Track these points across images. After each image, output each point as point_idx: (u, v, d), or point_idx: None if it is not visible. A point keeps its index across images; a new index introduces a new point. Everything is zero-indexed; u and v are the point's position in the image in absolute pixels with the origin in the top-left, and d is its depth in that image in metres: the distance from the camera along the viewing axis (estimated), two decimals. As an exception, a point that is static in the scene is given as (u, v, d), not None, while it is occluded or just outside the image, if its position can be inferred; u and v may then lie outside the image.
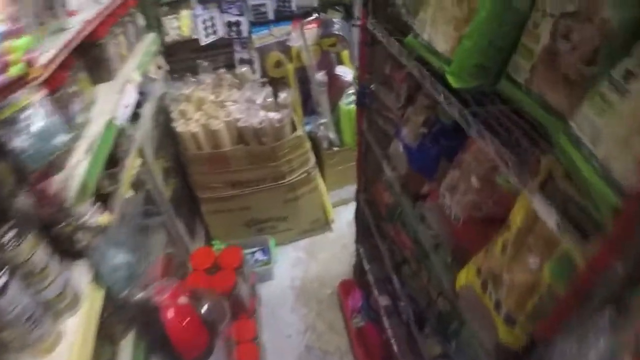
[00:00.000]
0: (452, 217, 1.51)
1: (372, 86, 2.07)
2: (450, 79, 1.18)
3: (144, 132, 2.28)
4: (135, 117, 2.27)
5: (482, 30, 1.09)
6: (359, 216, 2.68)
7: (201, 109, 2.75)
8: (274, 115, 2.65)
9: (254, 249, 3.18)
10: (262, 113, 2.67)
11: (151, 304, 1.96)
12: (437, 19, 1.26)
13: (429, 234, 1.73)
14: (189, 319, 2.02)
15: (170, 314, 1.98)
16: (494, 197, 1.39)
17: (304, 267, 3.28)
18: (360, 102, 2.13)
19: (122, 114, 1.94)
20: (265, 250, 3.17)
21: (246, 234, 3.17)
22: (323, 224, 3.38)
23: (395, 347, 2.35)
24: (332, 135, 3.09)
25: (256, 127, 2.63)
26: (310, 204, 3.13)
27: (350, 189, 3.38)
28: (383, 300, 2.55)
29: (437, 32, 1.27)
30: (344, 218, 3.52)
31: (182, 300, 2.04)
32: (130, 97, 2.12)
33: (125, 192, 1.94)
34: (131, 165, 2.02)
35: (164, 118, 2.80)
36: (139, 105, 2.36)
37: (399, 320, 2.49)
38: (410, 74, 1.56)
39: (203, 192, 2.91)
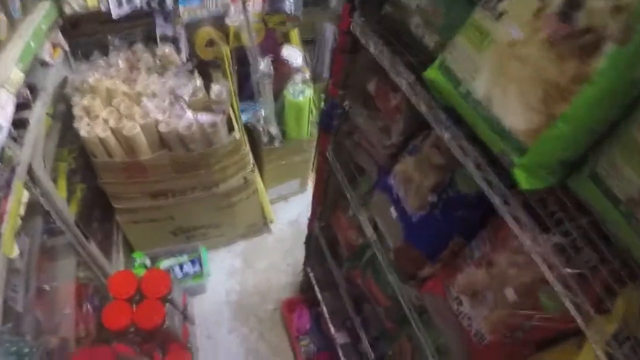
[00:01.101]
0: (472, 331, 1.17)
1: (345, 104, 1.61)
2: (520, 177, 0.79)
3: (33, 145, 1.73)
4: (19, 125, 1.71)
5: (589, 111, 0.71)
6: (310, 242, 2.29)
7: (111, 104, 2.18)
8: (205, 118, 2.14)
9: (182, 260, 2.72)
10: (189, 114, 2.14)
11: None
12: (509, 71, 0.81)
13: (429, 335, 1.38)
14: None
15: None
16: (537, 318, 1.03)
17: (241, 278, 2.89)
18: (325, 125, 1.67)
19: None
20: (196, 261, 2.73)
21: (172, 242, 2.70)
22: (261, 226, 2.97)
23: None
24: (274, 130, 2.61)
25: (182, 132, 2.11)
26: (247, 208, 2.70)
27: (292, 184, 2.99)
28: (341, 338, 2.24)
29: (505, 93, 0.81)
30: (285, 216, 3.14)
31: None
32: (4, 112, 1.54)
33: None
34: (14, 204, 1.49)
35: (65, 109, 2.22)
36: (25, 106, 1.78)
37: (357, 356, 2.20)
38: (410, 104, 1.16)
39: (118, 201, 2.39)
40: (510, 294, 1.06)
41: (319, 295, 2.30)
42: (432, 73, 1.01)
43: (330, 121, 1.60)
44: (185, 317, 2.50)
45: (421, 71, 1.02)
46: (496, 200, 0.88)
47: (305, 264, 2.40)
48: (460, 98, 0.93)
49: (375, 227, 1.56)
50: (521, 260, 1.05)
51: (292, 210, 3.11)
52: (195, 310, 2.64)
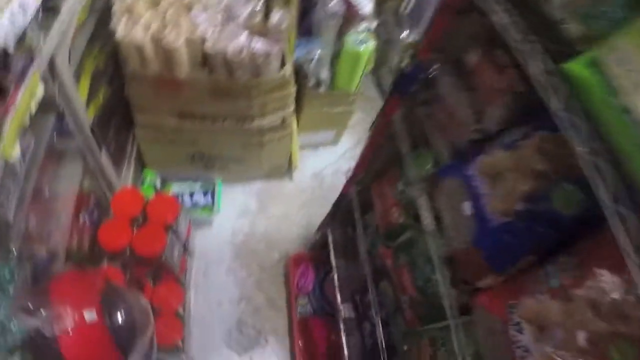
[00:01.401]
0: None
1: (434, 68, 1.39)
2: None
3: (60, 35, 1.50)
4: (49, 10, 1.47)
5: None
6: (340, 203, 2.11)
7: (157, 8, 1.95)
8: (259, 45, 1.91)
9: (194, 188, 2.55)
10: (243, 37, 1.92)
11: (44, 334, 1.39)
12: None
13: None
14: (97, 346, 1.49)
15: (70, 342, 1.43)
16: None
17: (251, 220, 2.73)
18: (402, 87, 1.46)
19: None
20: (209, 193, 2.56)
21: (188, 168, 2.53)
22: (284, 171, 2.79)
23: (345, 352, 2.01)
24: (324, 75, 2.39)
25: (230, 56, 1.90)
26: (276, 150, 2.51)
27: (326, 135, 2.80)
28: (346, 311, 2.09)
29: None
30: (310, 166, 2.95)
31: (89, 316, 1.48)
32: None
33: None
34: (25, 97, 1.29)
35: (105, 3, 1.98)
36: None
37: (359, 339, 2.06)
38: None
39: (141, 115, 2.20)
40: (581, 338, 0.92)
41: (333, 261, 2.15)
42: (577, 68, 0.81)
43: (409, 85, 1.39)
44: (186, 249, 2.35)
45: (559, 60, 0.84)
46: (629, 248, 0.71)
47: (327, 224, 2.23)
48: (611, 110, 0.74)
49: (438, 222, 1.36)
50: (606, 305, 0.90)
51: (318, 162, 2.92)
52: (197, 244, 2.48)
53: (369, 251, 1.96)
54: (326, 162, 2.96)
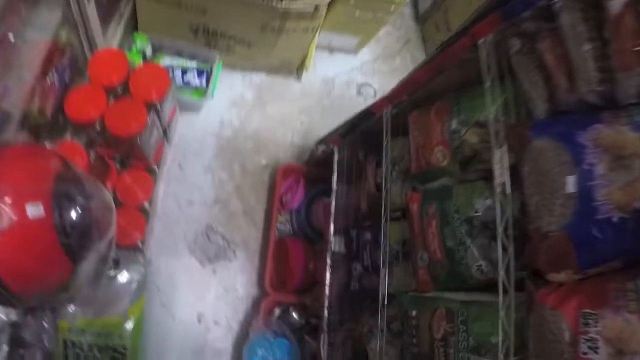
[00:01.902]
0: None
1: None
2: None
3: None
4: None
5: None
6: (363, 120, 1.81)
7: None
8: None
9: (188, 65, 2.17)
10: None
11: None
12: None
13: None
14: (39, 249, 1.20)
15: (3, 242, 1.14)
16: None
17: (245, 115, 2.39)
18: (507, 7, 1.12)
19: None
20: (204, 74, 2.19)
21: (187, 39, 2.13)
22: (294, 68, 2.43)
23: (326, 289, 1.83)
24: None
25: None
26: (294, 42, 2.14)
27: (349, 41, 2.47)
28: (337, 245, 1.86)
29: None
30: (321, 70, 2.59)
31: (34, 210, 1.17)
32: None
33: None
34: None
35: None
36: None
37: (344, 279, 1.82)
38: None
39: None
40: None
41: (334, 184, 1.87)
42: None
43: (522, 6, 1.06)
44: (166, 135, 2.02)
45: None
46: None
47: (335, 140, 1.93)
48: None
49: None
50: None
51: (332, 68, 2.59)
52: (178, 130, 2.14)
53: (378, 186, 1.74)
54: (340, 70, 2.63)
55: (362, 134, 1.83)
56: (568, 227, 0.94)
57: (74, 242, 1.24)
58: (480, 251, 1.24)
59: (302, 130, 2.44)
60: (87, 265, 1.33)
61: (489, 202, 1.23)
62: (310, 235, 2.14)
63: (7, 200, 1.10)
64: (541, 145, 1.03)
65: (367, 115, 1.74)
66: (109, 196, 1.46)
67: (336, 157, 1.93)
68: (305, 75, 2.50)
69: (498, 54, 1.18)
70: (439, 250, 1.33)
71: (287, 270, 2.07)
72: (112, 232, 1.43)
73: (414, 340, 1.37)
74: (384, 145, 1.60)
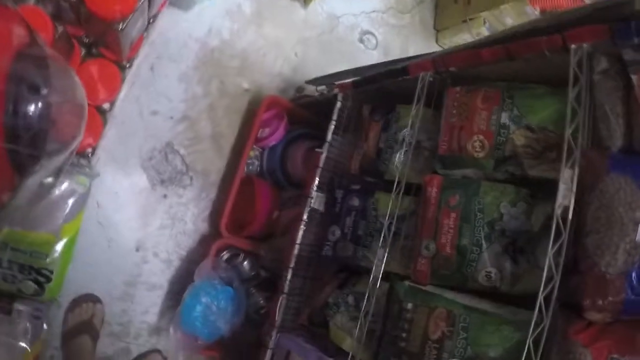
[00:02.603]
0: None
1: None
2: None
3: None
4: None
5: None
6: (390, 77, 1.59)
7: None
8: None
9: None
10: None
11: None
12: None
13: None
14: None
15: None
16: None
17: (238, 27, 2.11)
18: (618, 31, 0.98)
19: None
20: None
21: None
22: (302, -7, 2.15)
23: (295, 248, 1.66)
24: None
25: None
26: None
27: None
28: (317, 202, 1.75)
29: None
30: (329, 4, 2.35)
31: None
32: None
33: None
34: None
35: None
36: None
37: (316, 241, 1.70)
38: None
39: None
40: None
41: (329, 135, 1.65)
42: None
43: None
44: (149, 27, 1.69)
45: None
46: None
47: (344, 87, 1.70)
48: None
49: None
50: None
51: (340, 4, 2.37)
52: (160, 26, 1.81)
53: (379, 150, 1.60)
54: (348, 10, 2.43)
55: (377, 89, 1.65)
56: (628, 275, 0.90)
57: (24, 149, 0.94)
58: (493, 258, 1.19)
59: (294, 63, 2.23)
60: (34, 181, 1.04)
61: (514, 210, 1.20)
62: (280, 180, 1.97)
63: None
64: (617, 181, 0.95)
65: (396, 72, 1.55)
66: (82, 93, 1.15)
67: (338, 105, 1.74)
68: (312, 4, 2.25)
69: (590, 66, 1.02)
70: (450, 246, 1.25)
71: (248, 214, 1.90)
72: (76, 143, 1.13)
73: (404, 335, 1.26)
74: (412, 112, 1.45)
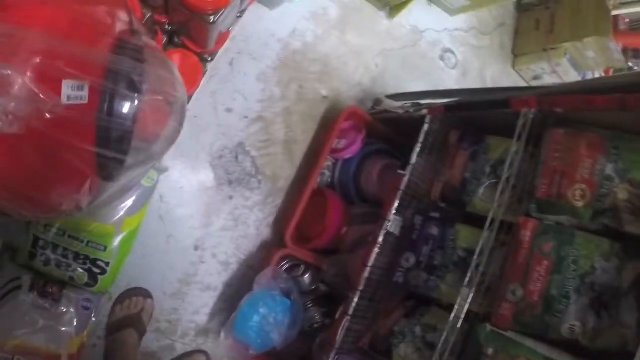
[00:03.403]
0: None
1: None
2: None
3: None
4: None
5: None
6: (480, 105, 1.55)
7: None
8: None
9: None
10: None
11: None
12: None
13: None
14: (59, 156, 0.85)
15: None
16: None
17: (322, 32, 2.06)
18: None
19: None
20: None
21: None
22: (387, 4, 2.13)
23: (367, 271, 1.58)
24: None
25: None
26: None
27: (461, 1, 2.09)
28: (394, 225, 1.64)
29: None
30: (414, 17, 2.29)
31: (71, 91, 0.82)
32: None
33: None
34: None
35: None
36: None
37: (390, 259, 1.62)
38: None
39: None
40: None
41: (414, 157, 1.61)
42: None
43: None
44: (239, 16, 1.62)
45: None
46: None
47: (435, 110, 1.60)
48: None
49: None
50: None
51: (425, 20, 2.32)
52: (244, 21, 1.80)
53: (464, 180, 1.52)
54: (432, 26, 2.39)
55: (467, 116, 1.61)
56: None
57: (114, 154, 0.84)
58: (580, 312, 1.16)
59: (374, 74, 2.20)
60: (117, 186, 0.95)
61: (607, 265, 1.17)
62: (352, 195, 1.94)
63: (32, 61, 0.70)
64: None
65: (496, 104, 1.51)
66: (183, 91, 1.06)
67: (426, 127, 1.68)
68: (398, 16, 2.20)
69: None
70: (538, 295, 1.22)
71: (315, 226, 1.87)
72: (168, 147, 1.04)
73: (482, 381, 1.30)
74: (513, 149, 1.39)
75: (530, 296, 1.21)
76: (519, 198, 1.40)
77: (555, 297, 1.18)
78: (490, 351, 1.24)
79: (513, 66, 2.71)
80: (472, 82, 2.53)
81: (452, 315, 1.33)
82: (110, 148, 0.84)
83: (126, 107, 0.87)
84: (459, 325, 1.32)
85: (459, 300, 1.34)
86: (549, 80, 2.67)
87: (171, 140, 1.09)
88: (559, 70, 2.58)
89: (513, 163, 1.38)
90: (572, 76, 2.59)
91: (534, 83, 2.75)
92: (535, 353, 1.17)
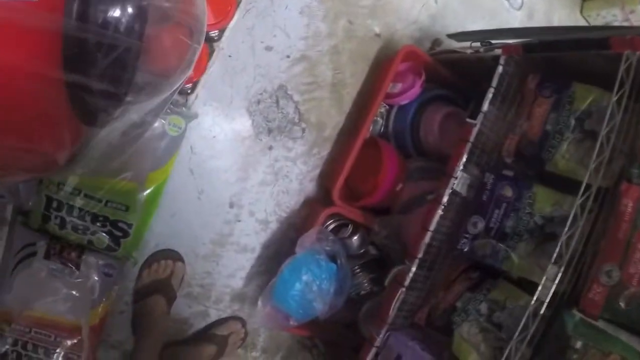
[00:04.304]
0: None
1: None
2: None
3: None
4: None
5: None
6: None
7: None
8: None
9: None
10: None
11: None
12: None
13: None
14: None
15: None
16: None
17: None
18: None
19: None
20: None
21: None
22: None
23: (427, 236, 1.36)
24: None
25: None
26: None
27: None
28: (461, 183, 1.37)
29: None
30: None
31: None
32: None
33: None
34: None
35: None
36: None
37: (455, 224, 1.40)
38: None
39: None
40: None
41: (486, 104, 1.37)
42: None
43: None
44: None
45: None
46: None
47: (511, 50, 1.37)
48: None
49: None
50: None
51: None
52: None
53: (545, 133, 1.27)
54: None
55: (549, 59, 1.35)
56: None
57: (97, 83, 0.59)
58: None
59: (433, 10, 1.89)
60: (114, 130, 0.70)
61: None
62: (408, 147, 1.71)
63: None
64: None
65: (591, 43, 1.22)
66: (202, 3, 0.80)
67: (500, 69, 1.40)
68: None
69: None
70: (639, 279, 1.01)
71: (367, 181, 1.64)
72: (181, 80, 0.78)
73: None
74: (613, 99, 1.11)
75: (629, 280, 1.01)
76: (610, 157, 1.14)
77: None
78: (579, 344, 1.04)
79: (581, 12, 2.38)
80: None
81: (534, 298, 1.09)
82: (86, 74, 0.59)
83: (110, 9, 0.62)
84: (542, 312, 1.08)
85: (543, 281, 1.10)
86: (620, 29, 2.41)
87: (185, 68, 0.84)
88: (632, 17, 2.29)
89: (614, 115, 1.11)
90: (646, 26, 2.30)
91: (604, 32, 2.46)
92: (631, 351, 0.98)
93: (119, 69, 0.64)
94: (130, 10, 0.63)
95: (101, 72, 0.62)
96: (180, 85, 0.90)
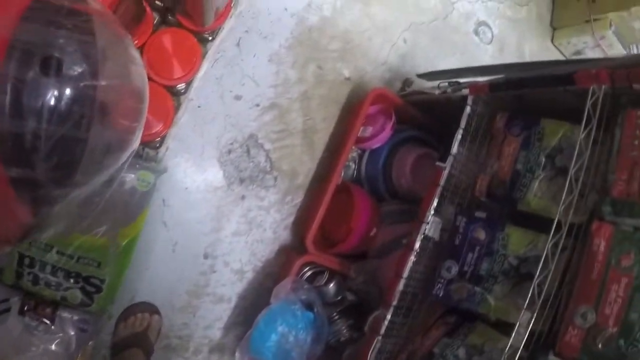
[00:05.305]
0: None
1: None
2: None
3: None
4: None
5: None
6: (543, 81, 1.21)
7: None
8: None
9: None
10: None
11: None
12: None
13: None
14: None
15: None
16: None
17: (342, 4, 1.73)
18: None
19: None
20: None
21: None
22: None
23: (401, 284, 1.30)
24: None
25: None
26: None
27: None
28: (432, 227, 1.37)
29: None
30: None
31: None
32: None
33: None
34: None
35: None
36: None
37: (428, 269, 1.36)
38: None
39: None
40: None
41: (455, 146, 1.33)
42: None
43: None
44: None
45: None
46: None
47: (478, 89, 1.34)
48: None
49: None
50: None
51: None
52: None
53: (515, 173, 1.24)
54: None
55: (517, 96, 1.32)
56: None
57: (41, 173, 0.56)
58: None
59: (402, 50, 1.91)
60: (71, 202, 0.66)
61: None
62: (381, 191, 1.66)
63: None
64: None
65: (556, 80, 1.20)
66: (142, 69, 0.76)
67: (468, 110, 1.37)
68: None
69: None
70: (615, 320, 0.98)
71: (340, 227, 1.60)
72: (134, 144, 0.74)
73: None
74: (581, 136, 1.08)
75: (605, 322, 0.98)
76: (581, 193, 1.10)
77: (635, 323, 0.95)
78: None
79: (552, 40, 2.42)
80: (510, 59, 2.23)
81: (508, 345, 1.03)
82: (26, 165, 0.57)
83: (46, 98, 0.58)
84: (517, 357, 1.03)
85: (517, 327, 1.05)
86: (591, 55, 2.36)
87: (130, 144, 0.80)
88: (602, 43, 2.30)
89: (582, 152, 1.08)
90: (617, 50, 2.28)
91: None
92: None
93: (61, 155, 0.61)
94: (64, 96, 0.60)
95: (44, 161, 0.59)
96: (129, 158, 0.87)
